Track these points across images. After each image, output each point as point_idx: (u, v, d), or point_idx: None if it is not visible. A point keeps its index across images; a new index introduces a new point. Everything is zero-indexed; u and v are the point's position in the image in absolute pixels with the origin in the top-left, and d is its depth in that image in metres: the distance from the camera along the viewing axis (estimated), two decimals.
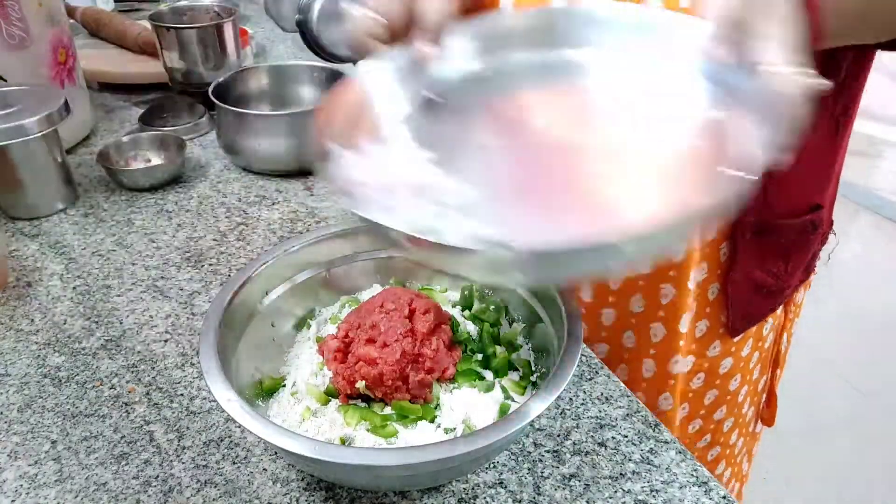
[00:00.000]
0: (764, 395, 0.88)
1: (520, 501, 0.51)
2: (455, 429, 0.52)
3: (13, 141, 0.79)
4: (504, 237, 0.41)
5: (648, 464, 0.53)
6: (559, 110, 0.57)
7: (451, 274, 0.50)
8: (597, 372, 0.62)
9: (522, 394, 0.55)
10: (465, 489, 0.52)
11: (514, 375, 0.57)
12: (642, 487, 0.51)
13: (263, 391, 0.56)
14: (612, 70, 0.58)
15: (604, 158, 0.50)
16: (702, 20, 0.51)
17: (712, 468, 0.87)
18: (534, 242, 0.40)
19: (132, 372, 0.63)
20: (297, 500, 0.51)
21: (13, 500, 0.52)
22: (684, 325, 0.75)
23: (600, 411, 0.58)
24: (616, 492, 0.51)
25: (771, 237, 0.71)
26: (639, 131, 0.53)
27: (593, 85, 0.59)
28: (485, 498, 0.51)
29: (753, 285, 0.75)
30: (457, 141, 0.55)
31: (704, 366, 0.78)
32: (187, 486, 0.52)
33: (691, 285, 0.72)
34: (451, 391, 0.55)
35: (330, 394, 0.55)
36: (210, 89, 0.95)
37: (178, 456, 0.55)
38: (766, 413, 0.89)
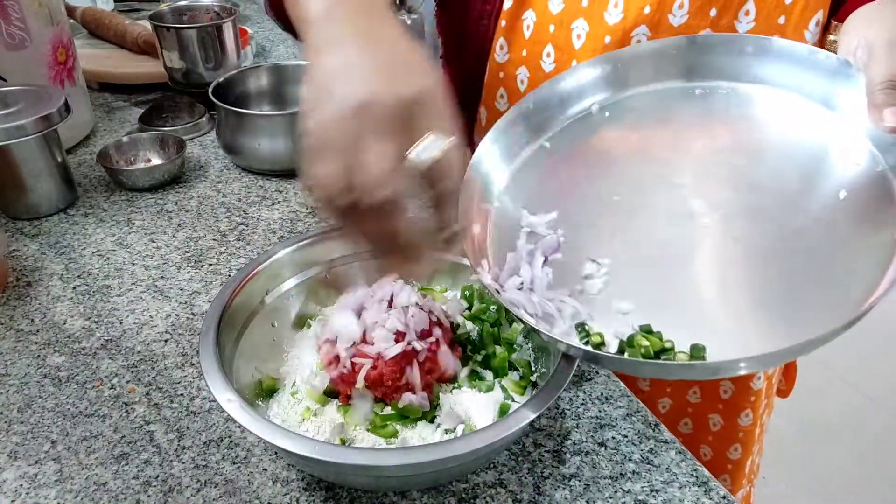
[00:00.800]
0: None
1: (520, 501, 0.51)
2: (455, 429, 0.52)
3: (13, 141, 0.79)
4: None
5: (648, 464, 0.53)
6: (694, 160, 0.56)
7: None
8: (597, 372, 0.61)
9: (522, 394, 0.55)
10: (465, 489, 0.52)
11: (514, 375, 0.57)
12: (642, 487, 0.51)
13: (263, 391, 0.56)
14: (770, 110, 0.57)
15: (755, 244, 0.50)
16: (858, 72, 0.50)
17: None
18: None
19: (132, 372, 0.63)
20: (297, 500, 0.51)
21: (13, 500, 0.52)
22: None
23: (600, 411, 0.58)
24: (616, 492, 0.51)
25: None
26: (792, 202, 0.52)
27: (723, 124, 0.57)
28: (485, 498, 0.51)
29: None
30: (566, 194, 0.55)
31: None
32: (187, 486, 0.52)
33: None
34: (451, 391, 0.55)
35: (329, 394, 0.55)
36: (210, 89, 0.95)
37: (178, 456, 0.55)
38: (785, 384, 0.90)
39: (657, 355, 0.46)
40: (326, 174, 0.40)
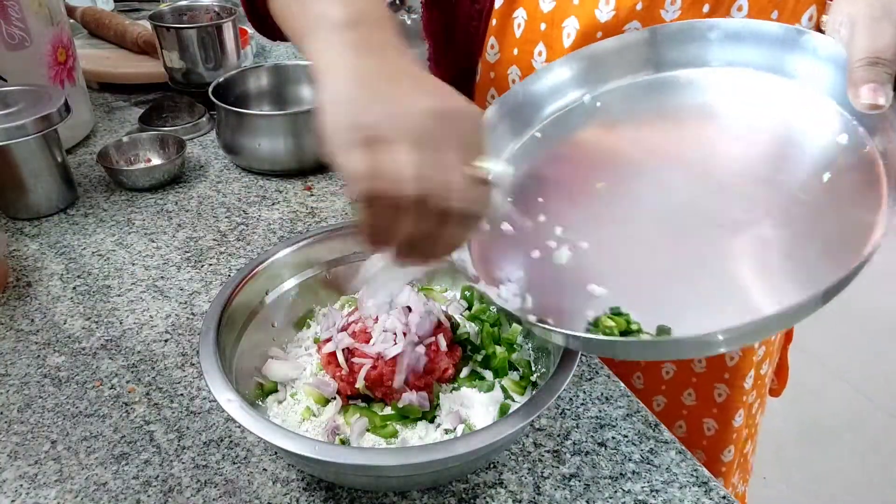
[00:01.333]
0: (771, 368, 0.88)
1: (520, 501, 0.51)
2: (455, 429, 0.52)
3: (13, 141, 0.79)
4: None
5: (648, 464, 0.53)
6: (676, 147, 0.56)
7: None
8: (597, 372, 0.62)
9: (522, 394, 0.55)
10: (465, 489, 0.52)
11: (514, 375, 0.57)
12: (642, 487, 0.51)
13: (263, 391, 0.56)
14: (731, 92, 0.56)
15: (728, 220, 0.50)
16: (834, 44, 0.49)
17: (745, 453, 0.88)
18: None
19: (132, 372, 0.63)
20: (297, 500, 0.51)
21: (13, 500, 0.52)
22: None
23: (600, 411, 0.58)
24: (616, 492, 0.51)
25: None
26: (767, 171, 0.51)
27: (704, 111, 0.57)
28: (485, 498, 0.51)
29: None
30: (568, 193, 0.55)
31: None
32: (187, 486, 0.52)
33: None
34: (451, 391, 0.55)
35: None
36: (210, 89, 0.95)
37: (178, 456, 0.55)
38: (777, 383, 0.90)
39: (623, 336, 0.46)
40: (398, 168, 0.38)
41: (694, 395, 0.78)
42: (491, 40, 0.72)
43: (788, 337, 0.87)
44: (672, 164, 0.55)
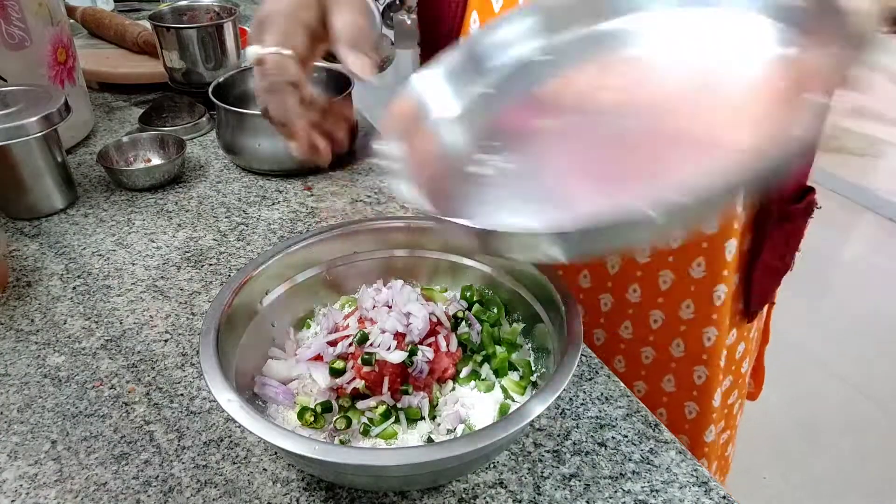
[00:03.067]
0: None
1: (520, 501, 0.51)
2: (455, 429, 0.52)
3: (13, 141, 0.79)
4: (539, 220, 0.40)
5: (648, 464, 0.53)
6: (616, 82, 0.55)
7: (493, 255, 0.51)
8: (597, 372, 0.62)
9: (522, 394, 0.55)
10: (465, 489, 0.52)
11: (514, 375, 0.57)
12: (642, 487, 0.52)
13: None
14: (666, 31, 0.56)
15: (666, 118, 0.48)
16: None
17: (726, 456, 0.88)
18: (561, 222, 0.39)
19: (132, 372, 0.63)
20: (297, 500, 0.51)
21: (13, 500, 0.52)
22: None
23: (600, 411, 0.58)
24: (616, 492, 0.51)
25: (787, 224, 0.73)
26: (700, 82, 0.50)
27: (651, 50, 0.56)
28: (485, 498, 0.51)
29: (771, 270, 0.77)
30: (509, 130, 0.54)
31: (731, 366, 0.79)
32: (187, 486, 0.52)
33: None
34: (451, 391, 0.55)
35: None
36: (210, 89, 0.95)
37: (178, 456, 0.55)
38: (754, 387, 0.90)
39: None
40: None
41: (673, 382, 0.78)
42: (473, 14, 0.72)
43: (765, 338, 0.87)
44: (620, 111, 0.53)
